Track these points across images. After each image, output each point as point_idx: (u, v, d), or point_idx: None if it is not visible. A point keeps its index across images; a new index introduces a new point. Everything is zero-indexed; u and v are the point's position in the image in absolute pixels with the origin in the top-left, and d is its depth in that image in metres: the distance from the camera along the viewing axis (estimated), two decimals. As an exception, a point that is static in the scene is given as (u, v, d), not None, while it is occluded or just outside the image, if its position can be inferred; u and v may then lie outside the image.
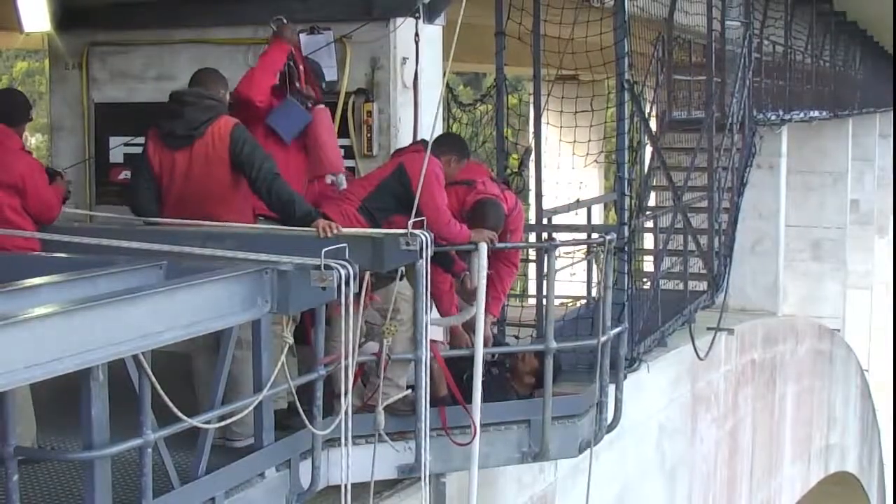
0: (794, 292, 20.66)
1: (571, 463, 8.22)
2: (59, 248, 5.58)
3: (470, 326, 6.73)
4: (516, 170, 8.84)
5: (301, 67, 6.53)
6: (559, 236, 8.34)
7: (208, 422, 4.76)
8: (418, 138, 6.96)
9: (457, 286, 7.04)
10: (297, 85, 6.47)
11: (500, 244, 6.65)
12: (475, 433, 6.19)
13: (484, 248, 6.29)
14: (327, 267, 4.87)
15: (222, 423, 5.02)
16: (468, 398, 6.27)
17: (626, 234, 8.55)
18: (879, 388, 25.44)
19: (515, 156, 9.59)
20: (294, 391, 5.22)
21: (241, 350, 5.33)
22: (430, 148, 5.84)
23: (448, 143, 6.73)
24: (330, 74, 7.23)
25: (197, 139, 5.83)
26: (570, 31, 8.94)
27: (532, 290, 9.69)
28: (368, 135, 7.15)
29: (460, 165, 6.78)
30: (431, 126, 6.07)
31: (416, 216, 5.74)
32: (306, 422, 5.29)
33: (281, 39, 6.42)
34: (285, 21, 6.47)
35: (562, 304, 11.36)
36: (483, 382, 6.26)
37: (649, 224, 11.66)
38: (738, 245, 14.17)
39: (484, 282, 6.32)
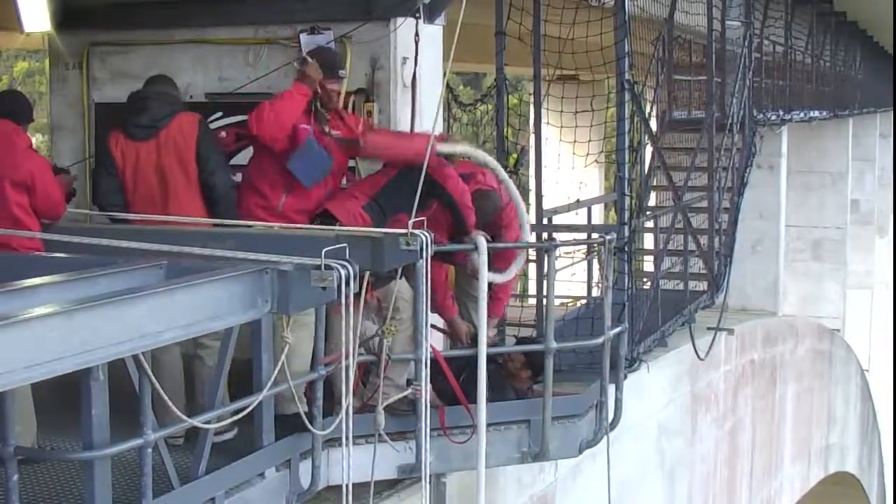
0: (794, 292, 20.67)
1: (571, 463, 8.22)
2: (59, 248, 5.59)
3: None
4: (512, 168, 8.83)
5: (332, 106, 6.24)
6: (559, 236, 8.35)
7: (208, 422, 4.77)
8: None
9: (452, 284, 7.05)
10: (327, 129, 6.23)
11: (500, 244, 6.64)
12: (479, 432, 6.18)
13: (483, 245, 6.28)
14: (327, 267, 4.87)
15: (221, 424, 5.02)
16: (467, 398, 6.27)
17: (627, 234, 8.55)
18: (879, 388, 25.44)
19: (515, 155, 9.59)
20: (294, 391, 5.22)
21: (210, 340, 5.41)
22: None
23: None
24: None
25: (162, 129, 6.00)
26: (571, 31, 8.94)
27: (532, 290, 9.69)
28: (369, 135, 7.14)
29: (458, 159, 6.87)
30: (432, 126, 6.08)
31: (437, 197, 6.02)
32: (306, 422, 5.30)
33: (302, 82, 6.16)
34: (310, 60, 6.20)
35: (562, 304, 11.36)
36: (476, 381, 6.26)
37: (649, 224, 11.66)
38: (738, 245, 14.16)
39: (485, 280, 6.32)
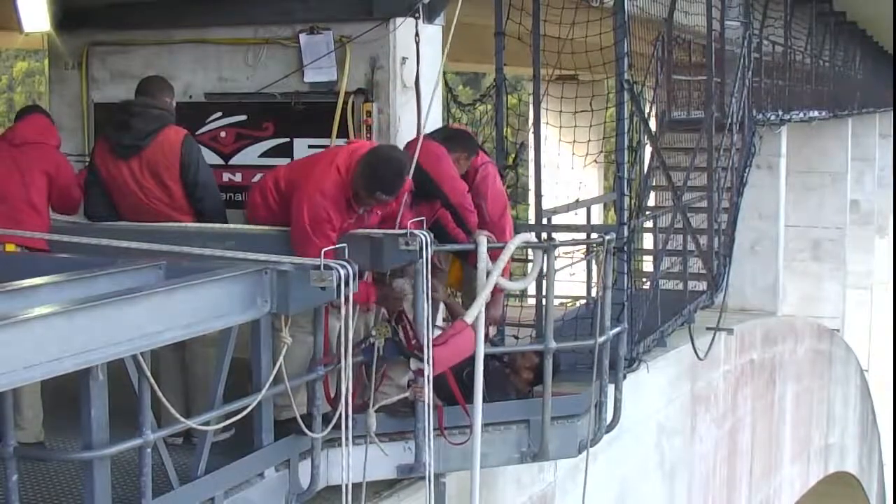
0: (793, 292, 20.65)
1: (571, 463, 8.22)
2: (59, 248, 5.61)
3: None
4: (510, 165, 8.82)
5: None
6: (559, 236, 8.34)
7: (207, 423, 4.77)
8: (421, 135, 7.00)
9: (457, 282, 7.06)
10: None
11: (496, 244, 6.64)
12: (474, 431, 6.17)
13: (484, 244, 6.28)
14: (327, 267, 4.87)
15: (221, 426, 5.02)
16: (468, 395, 6.27)
17: (626, 234, 8.55)
18: (879, 388, 25.44)
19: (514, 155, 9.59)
20: (291, 392, 5.22)
21: (204, 347, 5.39)
22: (441, 142, 5.90)
23: (457, 141, 6.83)
24: (329, 75, 7.25)
25: (144, 149, 5.92)
26: (570, 32, 8.94)
27: (532, 289, 9.70)
28: (368, 135, 7.15)
29: (468, 163, 6.88)
30: (431, 126, 6.10)
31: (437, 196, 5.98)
32: (303, 427, 5.30)
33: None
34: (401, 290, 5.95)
35: (561, 304, 11.36)
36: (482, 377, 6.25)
37: (649, 224, 11.66)
38: (738, 245, 14.16)
39: (485, 279, 6.31)
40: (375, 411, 5.87)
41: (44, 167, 5.94)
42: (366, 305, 5.90)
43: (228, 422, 4.95)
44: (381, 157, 5.74)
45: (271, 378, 5.03)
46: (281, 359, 5.02)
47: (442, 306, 6.84)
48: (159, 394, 4.35)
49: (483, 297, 6.09)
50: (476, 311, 6.05)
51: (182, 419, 4.53)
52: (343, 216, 5.69)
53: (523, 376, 6.95)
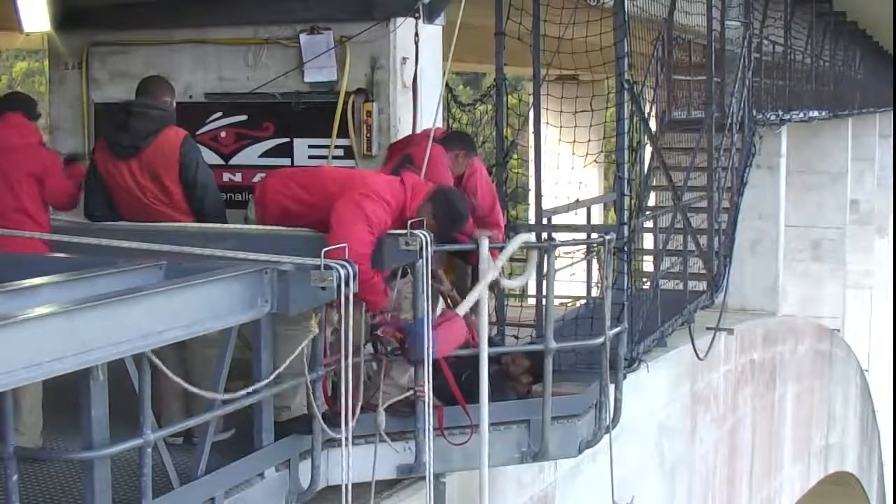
0: (793, 292, 20.66)
1: (571, 463, 8.22)
2: (59, 248, 5.60)
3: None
4: (502, 160, 8.81)
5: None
6: (559, 236, 8.34)
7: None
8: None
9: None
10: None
11: (497, 244, 6.64)
12: (482, 432, 6.17)
13: (486, 244, 6.28)
14: (327, 267, 4.87)
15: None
16: (466, 397, 6.27)
17: (626, 234, 8.55)
18: (879, 388, 25.44)
19: (516, 156, 9.57)
20: (291, 393, 5.22)
21: (204, 347, 5.37)
22: (439, 143, 5.89)
23: (456, 139, 6.85)
24: (329, 75, 7.25)
25: (143, 150, 5.90)
26: (570, 31, 8.93)
27: (532, 290, 9.69)
28: (368, 135, 7.17)
29: (468, 160, 6.87)
30: (431, 126, 6.10)
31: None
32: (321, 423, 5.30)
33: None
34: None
35: (561, 304, 11.35)
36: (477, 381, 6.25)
37: (649, 224, 11.66)
38: (738, 245, 14.16)
39: (487, 277, 6.31)
40: (375, 411, 5.88)
41: (29, 170, 5.85)
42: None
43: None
44: (456, 198, 6.15)
45: (273, 377, 5.03)
46: (300, 349, 5.02)
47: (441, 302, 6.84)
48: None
49: (479, 290, 6.10)
50: (469, 304, 6.09)
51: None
52: (391, 227, 5.85)
53: (522, 381, 6.94)
